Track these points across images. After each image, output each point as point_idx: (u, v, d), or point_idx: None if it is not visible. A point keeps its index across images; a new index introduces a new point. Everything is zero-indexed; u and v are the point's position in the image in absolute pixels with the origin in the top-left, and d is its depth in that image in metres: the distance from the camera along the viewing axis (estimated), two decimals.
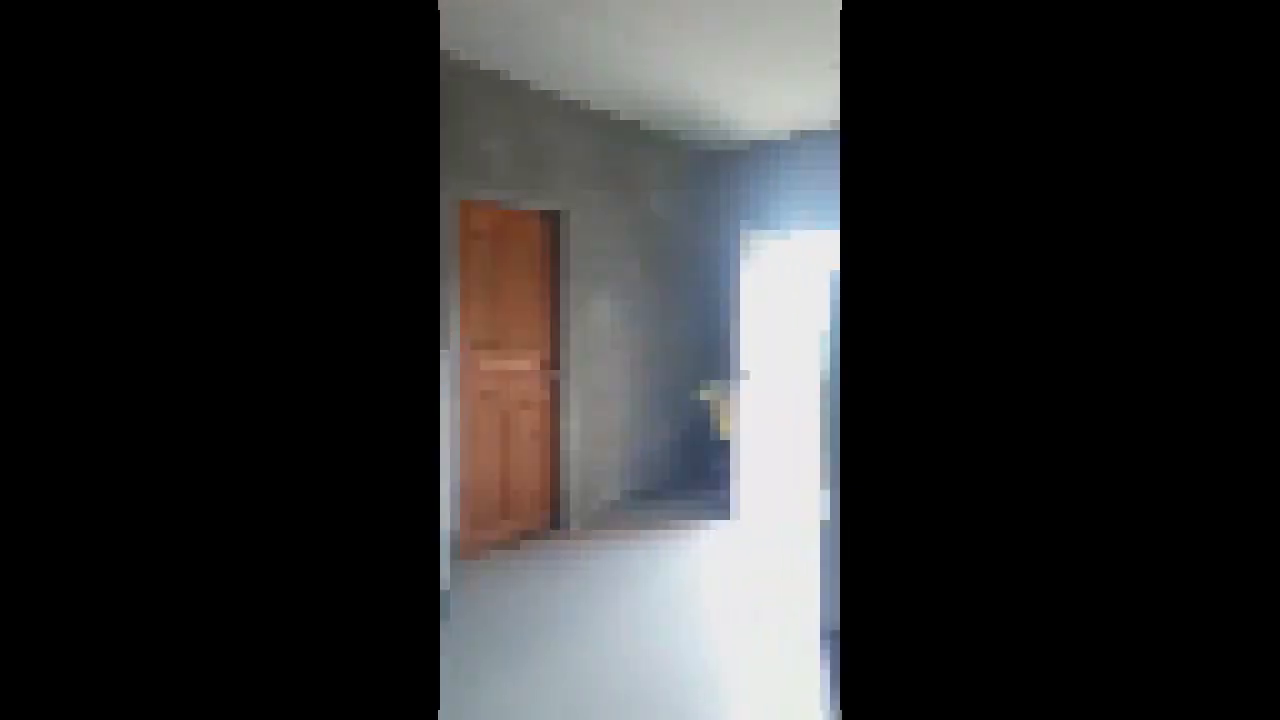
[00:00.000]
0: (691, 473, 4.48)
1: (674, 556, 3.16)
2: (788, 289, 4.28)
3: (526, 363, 3.46)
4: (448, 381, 2.77)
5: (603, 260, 3.82)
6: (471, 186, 3.05)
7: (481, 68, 3.08)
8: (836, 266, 2.43)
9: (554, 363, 3.59)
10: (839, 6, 2.44)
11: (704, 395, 4.23)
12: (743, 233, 3.83)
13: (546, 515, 3.58)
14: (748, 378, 3.79)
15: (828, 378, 2.45)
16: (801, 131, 4.08)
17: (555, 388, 3.60)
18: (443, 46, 2.88)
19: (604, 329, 3.86)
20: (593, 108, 3.70)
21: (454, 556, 2.96)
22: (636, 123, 3.99)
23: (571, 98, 3.55)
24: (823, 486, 2.47)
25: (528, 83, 3.30)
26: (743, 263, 3.83)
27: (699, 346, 4.58)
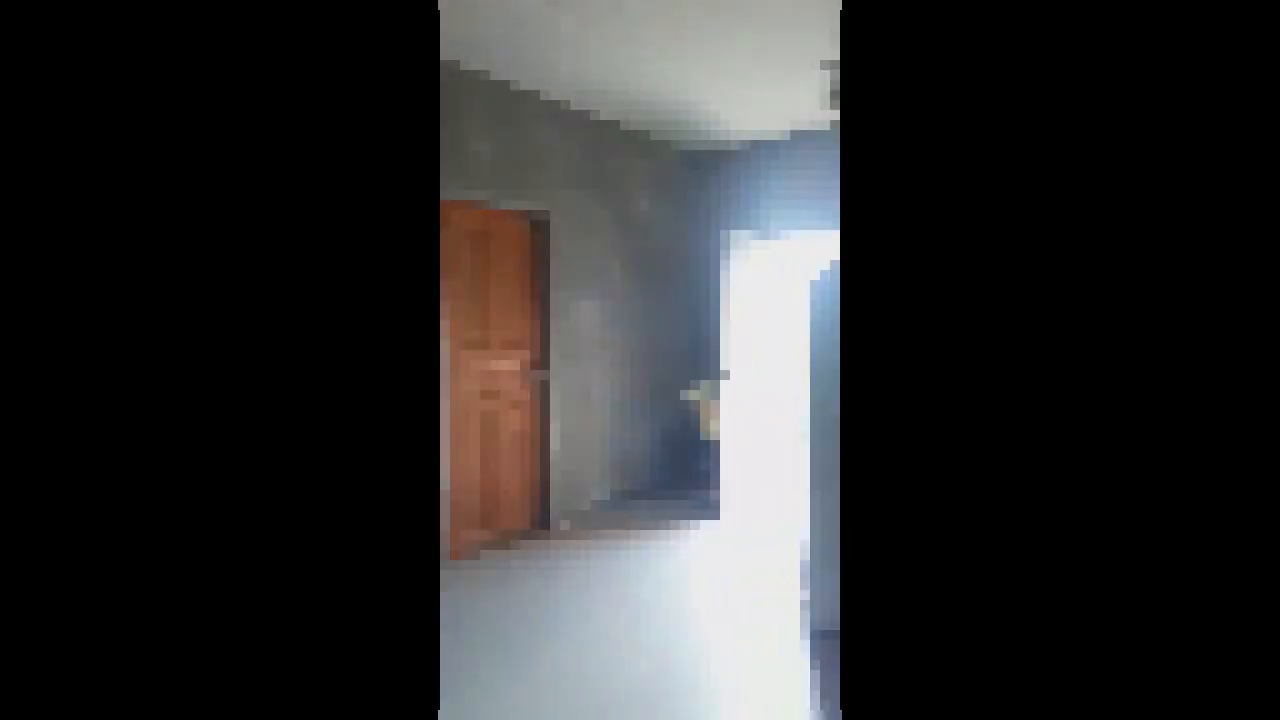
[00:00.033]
0: (678, 473, 4.50)
1: (661, 556, 3.17)
2: (773, 290, 4.31)
3: (512, 363, 3.45)
4: None
5: (588, 261, 3.82)
6: (457, 187, 3.03)
7: (467, 68, 3.07)
8: (821, 268, 2.46)
9: (540, 363, 3.58)
10: (823, 9, 2.47)
11: (690, 396, 4.24)
12: (728, 234, 3.85)
13: (533, 516, 3.57)
14: (733, 379, 3.81)
15: (812, 378, 2.47)
16: (786, 134, 4.11)
17: (541, 388, 3.59)
18: None
19: (590, 330, 3.86)
20: (578, 109, 3.70)
21: (441, 557, 2.94)
22: (622, 124, 3.99)
23: (557, 99, 3.54)
24: (808, 486, 2.49)
25: (513, 84, 3.29)
26: (728, 264, 3.85)
27: (685, 347, 4.59)
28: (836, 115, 3.69)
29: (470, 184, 3.10)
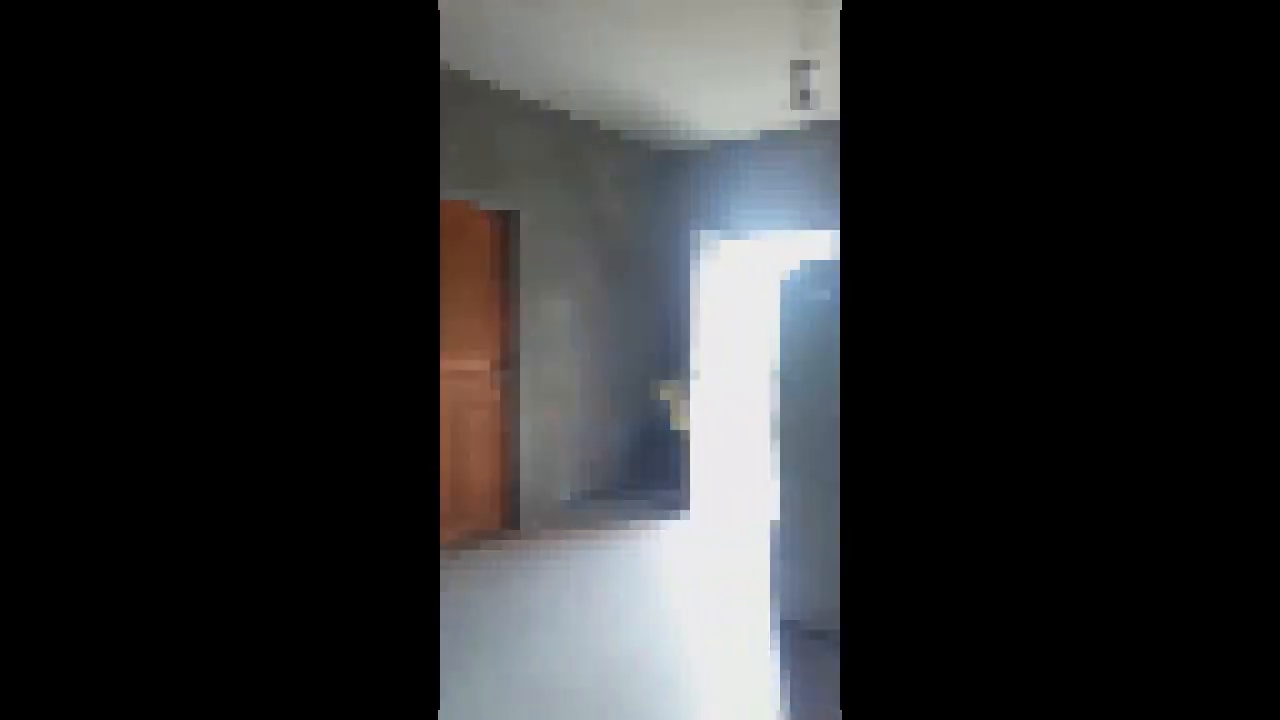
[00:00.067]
0: (647, 471, 4.51)
1: (630, 554, 3.18)
2: (742, 290, 4.37)
3: (479, 362, 3.41)
4: None
5: (557, 260, 3.80)
6: None
7: None
8: (791, 268, 2.50)
9: (506, 362, 3.55)
10: (789, 13, 2.52)
11: (661, 394, 4.26)
12: (698, 234, 3.89)
13: (501, 515, 3.54)
14: (702, 377, 3.84)
15: (781, 377, 2.52)
16: (756, 134, 4.16)
17: (508, 387, 3.56)
18: None
19: (558, 328, 3.84)
20: (548, 108, 3.67)
21: None
22: (592, 122, 3.98)
23: (525, 97, 3.52)
24: (775, 482, 2.53)
25: (481, 82, 3.26)
26: (698, 263, 3.88)
27: (655, 346, 4.61)
28: (803, 116, 3.76)
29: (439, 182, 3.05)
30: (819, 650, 2.28)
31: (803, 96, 2.51)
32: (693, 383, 3.80)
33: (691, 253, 3.88)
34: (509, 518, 3.57)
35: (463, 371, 3.31)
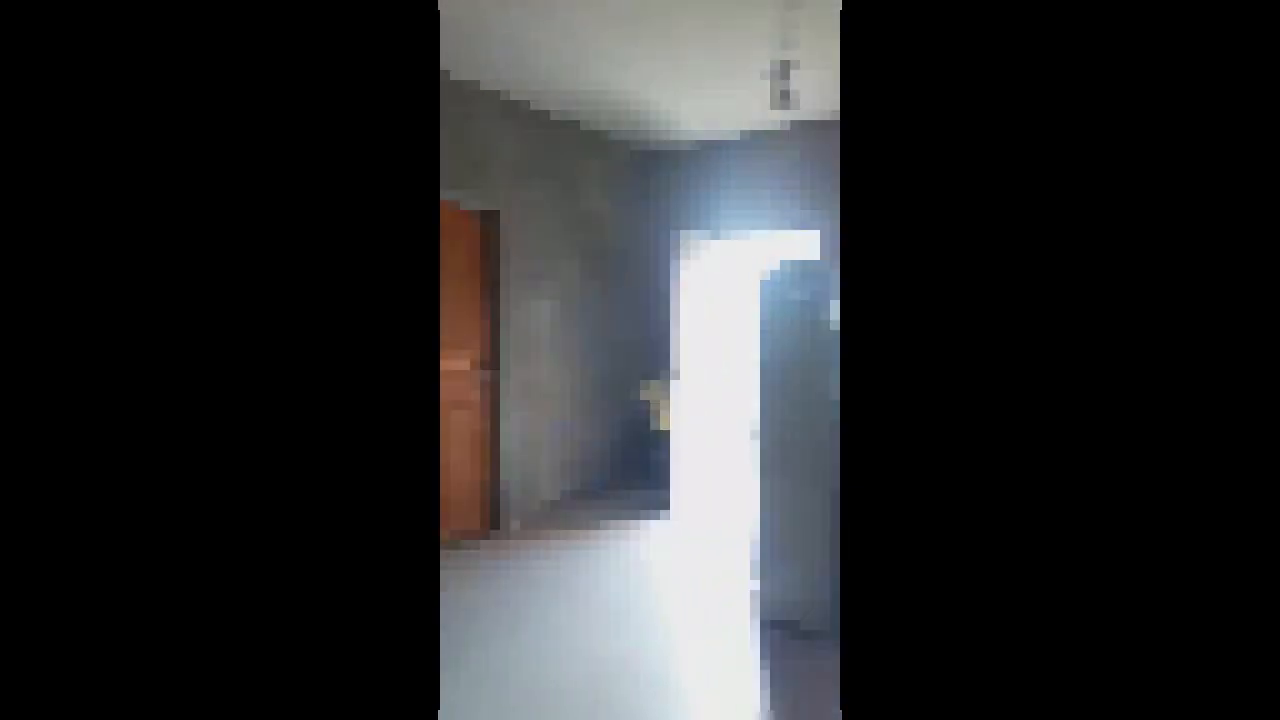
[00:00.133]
0: (630, 470, 4.51)
1: (614, 554, 3.19)
2: (724, 289, 4.39)
3: (461, 363, 3.40)
4: None
5: (540, 260, 3.80)
6: None
7: None
8: (771, 268, 2.52)
9: (490, 362, 3.54)
10: (770, 15, 2.53)
11: (644, 394, 4.27)
12: (680, 234, 3.90)
13: (484, 516, 3.53)
14: (686, 377, 3.85)
15: (762, 376, 2.53)
16: (738, 134, 4.18)
17: (492, 388, 3.55)
18: None
19: (541, 328, 3.83)
20: (531, 107, 3.67)
21: None
22: (575, 123, 3.98)
23: (509, 97, 3.51)
24: (757, 481, 2.54)
25: (464, 82, 3.24)
26: (680, 263, 3.89)
27: (639, 345, 4.61)
28: (783, 116, 3.79)
29: None
30: (799, 647, 2.30)
31: (782, 97, 2.53)
32: (675, 383, 3.81)
33: (674, 253, 3.89)
34: (492, 518, 3.55)
35: (446, 371, 3.30)
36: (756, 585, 2.55)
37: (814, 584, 2.38)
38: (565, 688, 2.03)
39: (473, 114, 3.32)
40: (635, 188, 4.60)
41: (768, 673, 2.15)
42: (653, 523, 3.67)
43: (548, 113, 3.79)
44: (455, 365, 3.36)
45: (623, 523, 3.66)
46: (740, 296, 4.42)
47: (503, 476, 3.57)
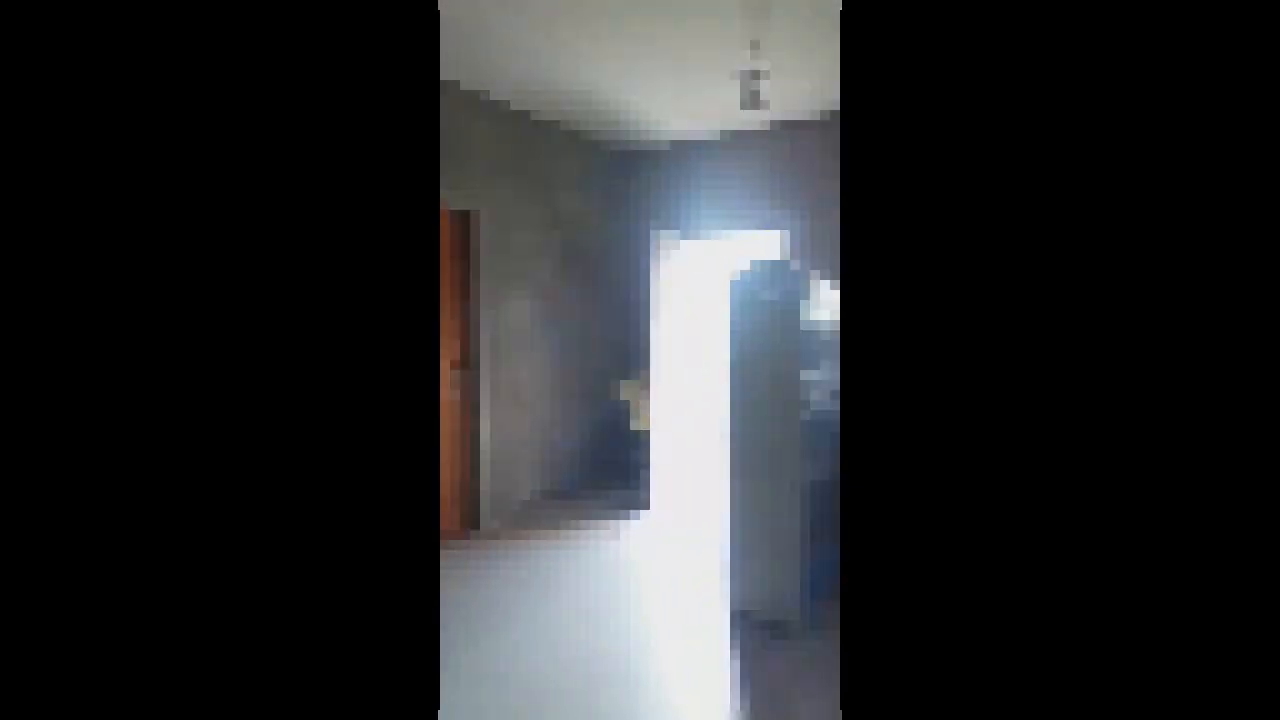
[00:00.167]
0: (608, 469, 4.53)
1: (592, 552, 3.20)
2: (700, 289, 4.42)
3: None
4: None
5: (516, 259, 3.80)
6: None
7: None
8: (742, 268, 2.55)
9: (466, 362, 3.54)
10: (744, 16, 2.57)
11: (621, 394, 4.29)
12: (656, 233, 3.92)
13: (462, 516, 3.53)
14: (662, 375, 3.88)
15: (732, 374, 2.56)
16: (715, 134, 4.21)
17: (468, 387, 3.55)
18: None
19: (518, 328, 3.84)
20: (508, 107, 3.67)
21: None
22: (551, 122, 3.99)
23: (486, 97, 3.51)
24: (729, 476, 2.58)
25: (444, 81, 3.22)
26: (657, 263, 3.92)
27: (615, 345, 4.63)
28: (754, 117, 3.83)
29: None
30: (774, 640, 2.34)
31: (752, 98, 2.56)
32: (653, 380, 3.83)
33: (650, 253, 3.91)
34: (470, 518, 3.56)
35: None
36: (730, 579, 2.59)
37: (785, 578, 2.42)
38: (550, 686, 2.04)
39: (450, 113, 3.31)
40: (613, 188, 4.61)
41: (739, 665, 2.18)
42: (630, 521, 3.69)
43: (525, 112, 3.80)
44: None
45: (601, 522, 3.68)
46: (716, 296, 4.46)
47: (480, 476, 3.57)
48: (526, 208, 3.87)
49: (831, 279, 3.40)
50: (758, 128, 4.00)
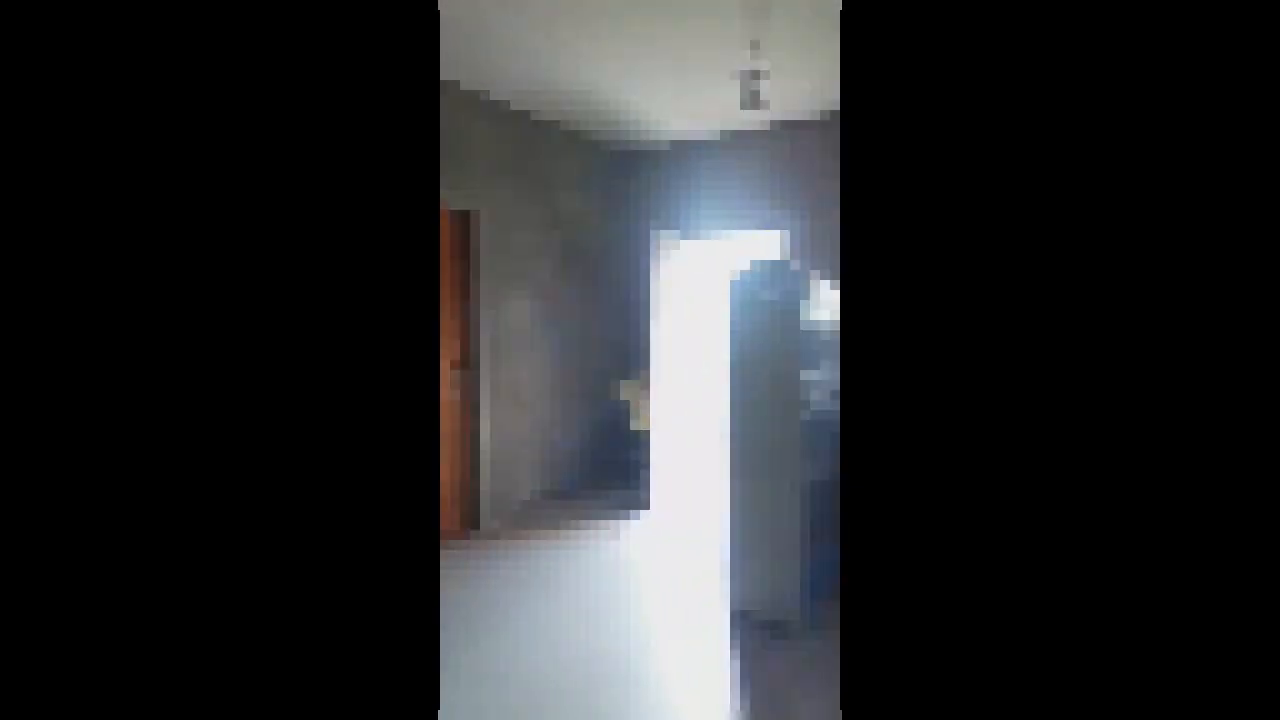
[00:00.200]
0: (608, 469, 4.53)
1: (592, 553, 3.20)
2: (700, 289, 4.42)
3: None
4: None
5: (516, 259, 3.80)
6: None
7: None
8: (742, 268, 2.55)
9: (466, 362, 3.54)
10: (744, 17, 2.57)
11: (621, 394, 4.29)
12: (656, 233, 3.92)
13: (462, 516, 3.53)
14: (662, 375, 3.88)
15: (732, 373, 2.56)
16: (715, 134, 4.21)
17: (468, 387, 3.55)
18: None
19: (518, 328, 3.84)
20: (508, 107, 3.67)
21: None
22: (551, 123, 3.99)
23: (486, 97, 3.51)
24: (729, 476, 2.58)
25: (443, 81, 3.23)
26: (656, 263, 3.92)
27: (615, 345, 4.63)
28: (754, 117, 3.83)
29: None
30: (773, 640, 2.34)
31: (752, 98, 2.56)
32: (652, 382, 3.83)
33: (650, 253, 3.91)
34: (470, 518, 3.56)
35: None
36: (729, 579, 2.59)
37: (784, 577, 2.42)
38: (550, 686, 2.04)
39: (450, 113, 3.31)
40: (613, 187, 4.62)
41: (739, 665, 2.18)
42: (630, 521, 3.69)
43: (526, 112, 3.80)
44: None
45: (601, 522, 3.68)
46: (716, 296, 4.46)
47: (480, 476, 3.57)
48: (526, 208, 3.87)
49: (831, 279, 3.40)
50: (758, 128, 4.00)
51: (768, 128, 3.96)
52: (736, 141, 4.11)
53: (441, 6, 2.50)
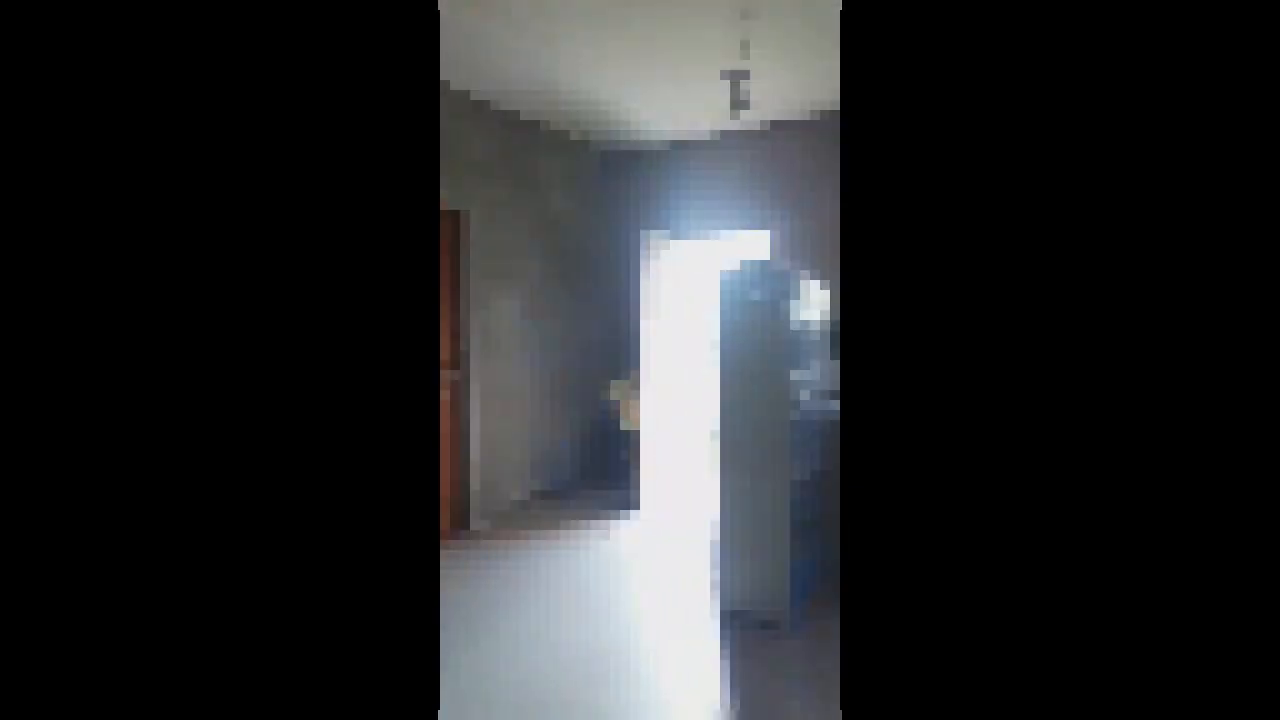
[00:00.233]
0: (598, 469, 4.54)
1: (582, 553, 3.21)
2: (689, 288, 4.44)
3: None
4: None
5: (506, 260, 3.81)
6: None
7: None
8: (730, 267, 2.57)
9: (456, 362, 3.54)
10: (730, 20, 2.59)
11: (611, 394, 4.30)
12: (646, 233, 3.93)
13: (452, 517, 3.52)
14: (651, 376, 3.89)
15: (721, 372, 2.58)
16: (704, 134, 4.23)
17: (456, 388, 3.55)
18: None
19: (507, 328, 3.84)
20: (496, 107, 3.67)
21: None
22: (541, 123, 4.00)
23: (475, 97, 3.51)
24: (717, 476, 2.59)
25: None
26: (646, 263, 3.93)
27: (605, 345, 4.64)
28: (743, 118, 3.85)
29: None
30: (758, 636, 2.35)
31: (738, 99, 2.58)
32: (642, 382, 3.84)
33: (640, 253, 3.92)
34: (460, 518, 3.55)
35: None
36: (717, 578, 2.60)
37: (771, 575, 2.43)
38: (541, 685, 2.05)
39: (441, 114, 3.31)
40: (602, 188, 4.63)
41: (728, 663, 2.19)
42: (621, 520, 3.70)
43: (514, 112, 3.80)
44: None
45: (591, 521, 3.69)
46: (704, 297, 4.48)
47: (470, 477, 3.57)
48: (517, 208, 3.87)
49: (819, 278, 3.43)
50: (746, 128, 4.02)
51: (756, 128, 3.98)
52: (725, 142, 4.13)
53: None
